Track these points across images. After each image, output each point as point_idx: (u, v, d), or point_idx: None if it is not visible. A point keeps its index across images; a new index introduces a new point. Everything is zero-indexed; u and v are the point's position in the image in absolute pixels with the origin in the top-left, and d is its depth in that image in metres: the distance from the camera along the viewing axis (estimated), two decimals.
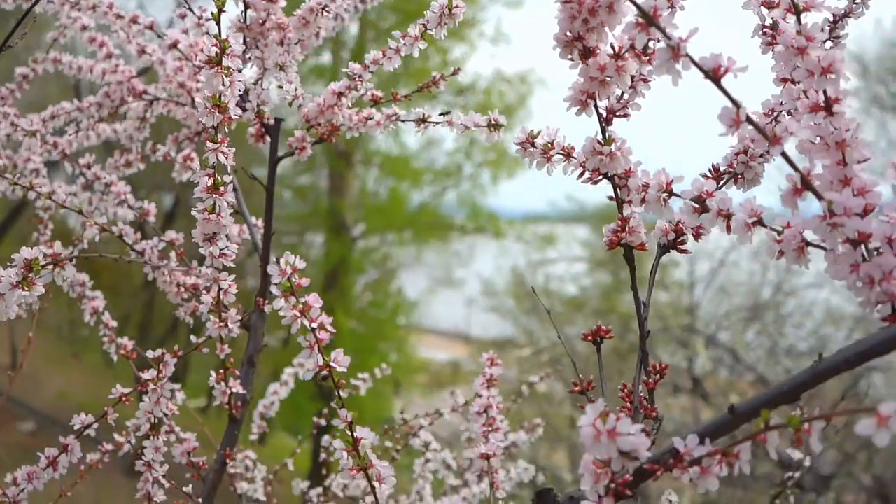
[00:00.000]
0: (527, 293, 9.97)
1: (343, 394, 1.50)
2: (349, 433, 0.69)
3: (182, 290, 1.09)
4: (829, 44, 0.77)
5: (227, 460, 1.05)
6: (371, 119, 1.05)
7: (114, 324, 1.15)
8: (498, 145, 11.98)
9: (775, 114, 0.73)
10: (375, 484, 0.69)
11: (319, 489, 1.46)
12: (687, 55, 0.54)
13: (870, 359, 0.53)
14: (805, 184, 0.55)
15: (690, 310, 6.50)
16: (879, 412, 0.43)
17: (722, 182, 0.74)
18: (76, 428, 0.97)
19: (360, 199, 11.75)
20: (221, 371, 1.02)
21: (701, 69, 0.54)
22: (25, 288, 0.72)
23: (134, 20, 1.15)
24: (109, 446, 1.19)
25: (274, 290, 0.66)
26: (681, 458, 0.56)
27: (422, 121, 1.02)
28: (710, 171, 0.74)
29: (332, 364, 0.68)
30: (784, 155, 0.55)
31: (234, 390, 1.03)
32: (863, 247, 0.57)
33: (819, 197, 0.55)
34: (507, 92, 10.80)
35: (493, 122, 0.90)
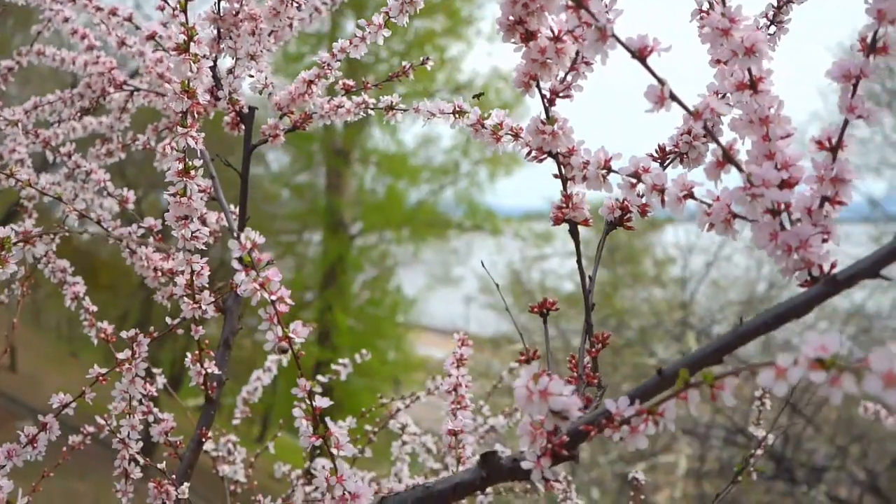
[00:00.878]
0: (524, 290, 10.02)
1: (325, 379, 1.52)
2: (308, 402, 0.72)
3: (159, 274, 1.12)
4: (772, 28, 0.80)
5: (203, 439, 1.08)
6: (342, 107, 1.08)
7: (94, 308, 1.18)
8: None
9: (719, 95, 0.76)
10: (334, 451, 0.73)
11: (299, 471, 1.49)
12: (613, 36, 0.57)
13: (787, 321, 0.56)
14: (727, 157, 0.59)
15: (684, 304, 6.53)
16: (777, 365, 0.46)
17: (667, 161, 0.77)
18: (54, 407, 1.00)
19: (358, 197, 11.79)
20: (197, 352, 1.05)
21: (628, 49, 0.57)
22: None
23: (113, 12, 1.18)
24: (91, 428, 1.22)
25: (235, 264, 0.69)
26: (612, 419, 0.59)
27: (389, 108, 1.05)
28: (655, 151, 0.77)
29: (290, 335, 0.71)
30: (707, 129, 0.58)
31: (209, 371, 1.06)
32: (786, 217, 0.60)
33: (740, 169, 0.58)
34: (504, 89, 10.84)
35: (457, 109, 0.93)
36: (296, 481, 1.44)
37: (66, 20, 1.29)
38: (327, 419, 0.72)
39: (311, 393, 0.72)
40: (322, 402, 0.73)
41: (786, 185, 0.60)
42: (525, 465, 0.61)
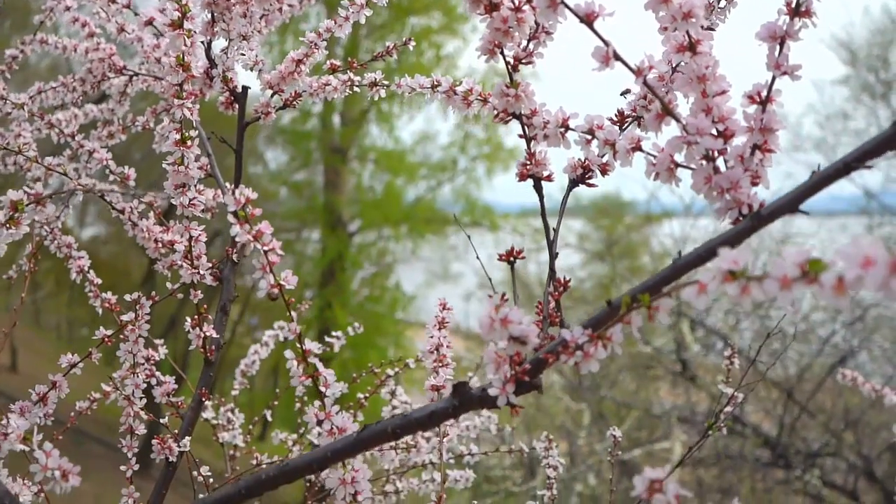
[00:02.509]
0: (522, 283, 10.09)
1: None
2: (299, 345, 0.79)
3: (159, 245, 1.19)
4: (722, 2, 0.87)
5: (203, 399, 1.15)
6: (329, 85, 1.15)
7: (98, 281, 1.25)
8: (492, 139, 12.13)
9: (672, 64, 0.83)
10: (322, 389, 0.79)
11: (295, 436, 1.56)
12: (562, 3, 0.63)
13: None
14: (665, 110, 0.65)
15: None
16: (700, 281, 0.53)
17: (626, 124, 0.83)
18: (63, 367, 1.06)
19: (356, 194, 11.85)
20: (196, 316, 1.12)
21: (576, 15, 0.64)
22: (12, 226, 0.82)
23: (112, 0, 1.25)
24: (97, 395, 1.28)
25: (230, 217, 0.76)
26: (568, 346, 0.66)
27: (373, 84, 1.12)
28: (615, 115, 0.84)
29: (282, 282, 0.78)
30: (647, 85, 0.65)
31: (207, 335, 1.12)
32: (723, 164, 0.67)
33: (677, 120, 0.65)
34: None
35: (434, 83, 1.00)
36: (291, 446, 1.51)
37: (67, 9, 1.35)
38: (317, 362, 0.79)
39: (300, 336, 0.79)
40: (312, 346, 0.80)
41: (722, 135, 0.66)
42: (492, 391, 0.68)
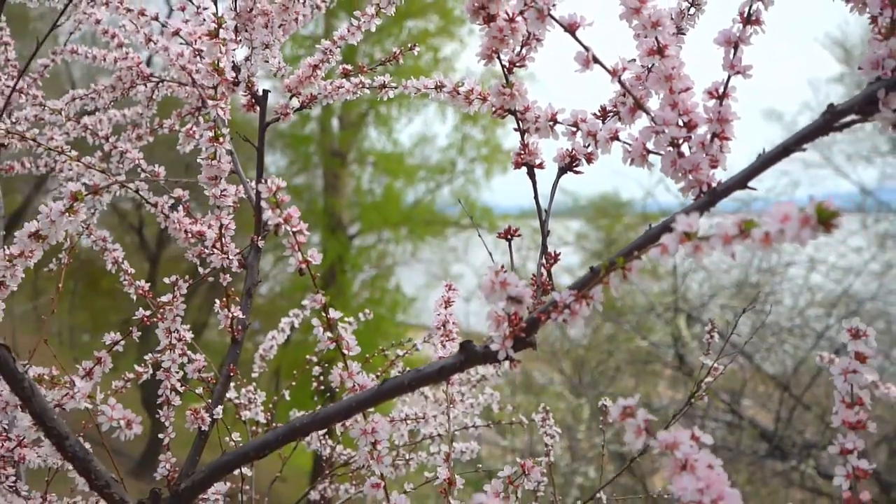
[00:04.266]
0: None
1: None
2: (324, 314, 0.91)
3: (189, 236, 1.31)
4: (692, 9, 0.99)
5: (231, 374, 1.26)
6: (342, 88, 1.27)
7: (132, 270, 1.37)
8: (490, 141, 12.25)
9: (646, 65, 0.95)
10: (345, 351, 0.91)
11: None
12: (549, 15, 0.75)
13: None
14: (637, 105, 0.77)
15: (675, 289, 6.73)
16: (663, 243, 0.65)
17: (608, 119, 0.95)
18: (107, 343, 1.18)
19: (356, 197, 11.97)
20: (224, 299, 1.23)
21: (561, 25, 0.76)
22: (71, 214, 0.93)
23: (141, 13, 1.36)
24: (130, 375, 1.40)
25: (263, 203, 0.87)
26: (558, 306, 0.77)
27: (383, 86, 1.24)
28: (598, 111, 0.95)
29: (309, 259, 0.89)
30: (621, 83, 0.77)
31: (235, 315, 1.24)
32: (687, 149, 0.79)
33: (647, 113, 0.77)
34: None
35: (438, 84, 1.11)
36: None
37: (97, 21, 1.47)
38: (339, 326, 0.91)
39: (325, 306, 0.90)
40: (335, 314, 0.91)
41: (687, 126, 0.78)
42: (493, 346, 0.80)
